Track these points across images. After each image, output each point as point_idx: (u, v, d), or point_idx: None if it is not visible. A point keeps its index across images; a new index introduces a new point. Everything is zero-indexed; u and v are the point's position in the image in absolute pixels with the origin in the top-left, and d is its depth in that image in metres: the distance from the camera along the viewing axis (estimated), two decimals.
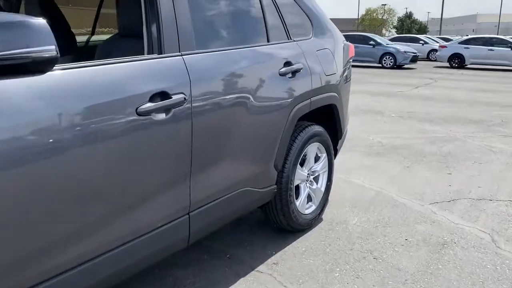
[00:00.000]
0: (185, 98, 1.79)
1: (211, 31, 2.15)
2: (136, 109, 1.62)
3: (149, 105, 1.66)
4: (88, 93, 1.49)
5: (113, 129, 1.55)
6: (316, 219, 2.96)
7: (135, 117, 1.61)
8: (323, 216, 3.12)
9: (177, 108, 1.77)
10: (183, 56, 1.87)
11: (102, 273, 1.61)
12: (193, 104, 1.84)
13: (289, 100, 2.46)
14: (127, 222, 1.68)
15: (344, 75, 3.14)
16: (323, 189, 3.01)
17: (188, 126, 1.83)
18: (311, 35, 2.88)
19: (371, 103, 8.40)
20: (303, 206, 2.84)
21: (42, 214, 1.39)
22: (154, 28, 1.82)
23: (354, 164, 4.42)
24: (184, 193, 1.89)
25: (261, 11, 2.45)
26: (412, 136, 5.68)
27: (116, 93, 1.56)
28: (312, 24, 2.91)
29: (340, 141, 3.20)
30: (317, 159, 2.96)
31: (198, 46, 1.98)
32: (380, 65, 18.29)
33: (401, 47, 18.64)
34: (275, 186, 2.54)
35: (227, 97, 2.04)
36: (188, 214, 1.94)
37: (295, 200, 2.75)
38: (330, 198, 3.36)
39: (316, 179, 2.98)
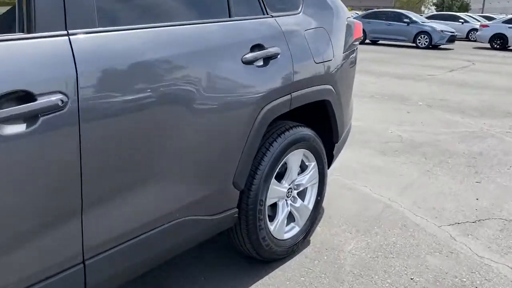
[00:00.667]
0: (63, 101, 1.19)
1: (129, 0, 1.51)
2: None
3: None
4: None
5: None
6: (299, 244, 2.34)
7: None
8: (312, 237, 2.51)
9: (49, 116, 1.17)
10: (70, 37, 1.26)
11: None
12: (82, 108, 1.24)
13: (256, 96, 1.83)
14: None
15: (346, 62, 2.46)
16: (311, 206, 2.39)
17: (72, 141, 1.23)
18: (299, 9, 2.21)
19: (397, 88, 7.60)
20: (281, 230, 2.23)
21: None
22: None
23: (363, 164, 3.75)
24: (73, 236, 1.31)
25: None
26: (439, 131, 4.93)
27: None
28: None
29: (337, 146, 2.55)
30: (304, 168, 2.33)
31: (103, 21, 1.36)
32: (414, 44, 17.11)
33: (437, 25, 17.35)
34: (236, 209, 1.93)
35: (148, 94, 1.43)
36: (82, 263, 1.36)
37: (269, 224, 2.14)
38: (326, 211, 2.75)
39: (301, 194, 2.36)
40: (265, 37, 1.91)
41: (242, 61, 1.77)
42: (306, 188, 2.38)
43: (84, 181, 1.28)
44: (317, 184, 2.42)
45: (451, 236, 2.60)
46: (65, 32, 1.25)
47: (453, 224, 2.75)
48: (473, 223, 2.77)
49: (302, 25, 2.16)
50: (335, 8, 2.44)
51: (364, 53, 13.16)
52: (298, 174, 2.30)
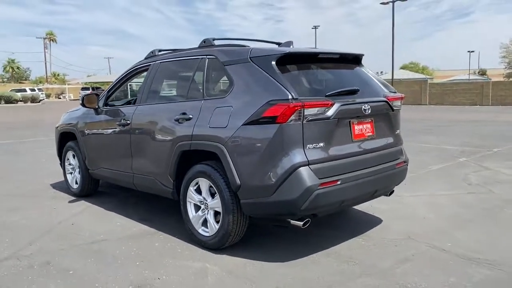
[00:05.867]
0: None
1: None
2: None
3: None
4: None
5: None
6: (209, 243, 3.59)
7: None
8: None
9: None
10: None
11: None
12: None
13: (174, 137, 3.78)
14: None
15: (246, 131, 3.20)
16: (218, 227, 3.52)
17: None
18: (225, 95, 3.45)
19: None
20: (196, 223, 3.69)
21: None
22: None
23: None
24: None
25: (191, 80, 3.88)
26: None
27: None
28: (233, 86, 3.42)
29: (239, 193, 3.28)
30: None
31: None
32: None
33: None
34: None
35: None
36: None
37: (189, 211, 3.76)
38: None
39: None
40: (190, 109, 3.68)
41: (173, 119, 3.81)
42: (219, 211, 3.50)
43: None
44: (222, 211, 3.43)
45: None
46: None
47: None
48: None
49: (217, 105, 3.48)
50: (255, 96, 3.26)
51: None
52: (211, 197, 3.56)
